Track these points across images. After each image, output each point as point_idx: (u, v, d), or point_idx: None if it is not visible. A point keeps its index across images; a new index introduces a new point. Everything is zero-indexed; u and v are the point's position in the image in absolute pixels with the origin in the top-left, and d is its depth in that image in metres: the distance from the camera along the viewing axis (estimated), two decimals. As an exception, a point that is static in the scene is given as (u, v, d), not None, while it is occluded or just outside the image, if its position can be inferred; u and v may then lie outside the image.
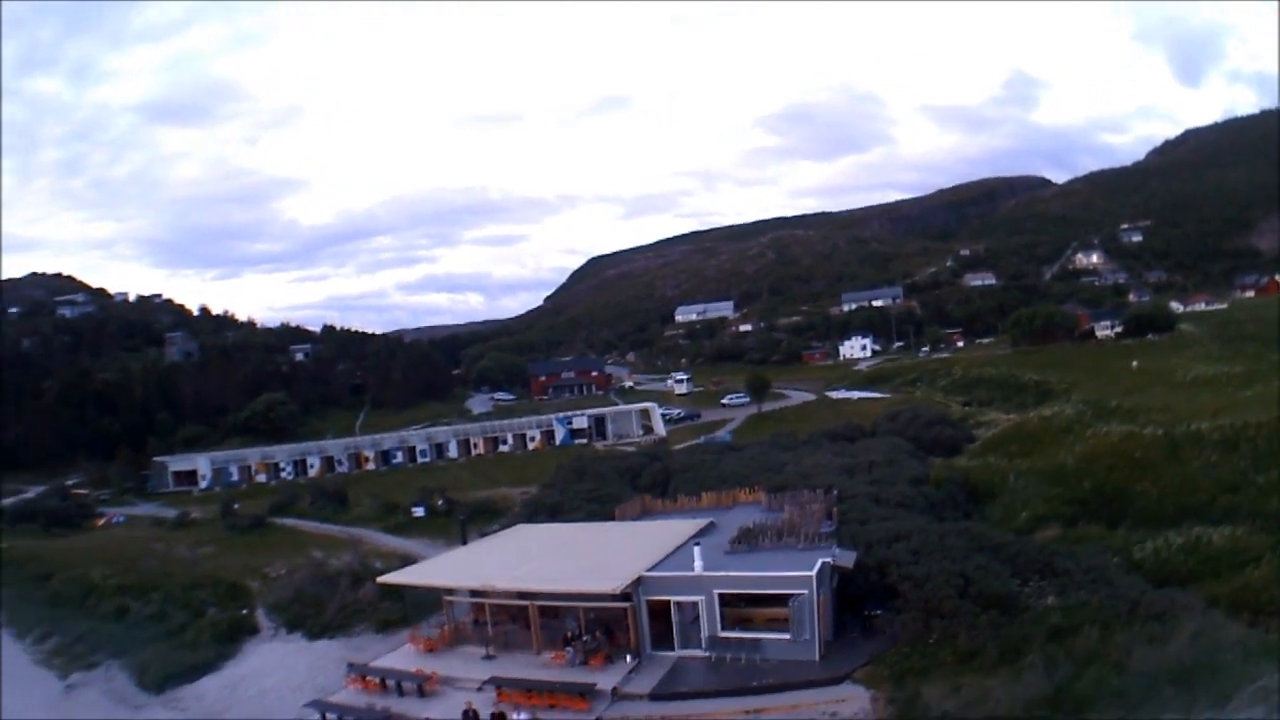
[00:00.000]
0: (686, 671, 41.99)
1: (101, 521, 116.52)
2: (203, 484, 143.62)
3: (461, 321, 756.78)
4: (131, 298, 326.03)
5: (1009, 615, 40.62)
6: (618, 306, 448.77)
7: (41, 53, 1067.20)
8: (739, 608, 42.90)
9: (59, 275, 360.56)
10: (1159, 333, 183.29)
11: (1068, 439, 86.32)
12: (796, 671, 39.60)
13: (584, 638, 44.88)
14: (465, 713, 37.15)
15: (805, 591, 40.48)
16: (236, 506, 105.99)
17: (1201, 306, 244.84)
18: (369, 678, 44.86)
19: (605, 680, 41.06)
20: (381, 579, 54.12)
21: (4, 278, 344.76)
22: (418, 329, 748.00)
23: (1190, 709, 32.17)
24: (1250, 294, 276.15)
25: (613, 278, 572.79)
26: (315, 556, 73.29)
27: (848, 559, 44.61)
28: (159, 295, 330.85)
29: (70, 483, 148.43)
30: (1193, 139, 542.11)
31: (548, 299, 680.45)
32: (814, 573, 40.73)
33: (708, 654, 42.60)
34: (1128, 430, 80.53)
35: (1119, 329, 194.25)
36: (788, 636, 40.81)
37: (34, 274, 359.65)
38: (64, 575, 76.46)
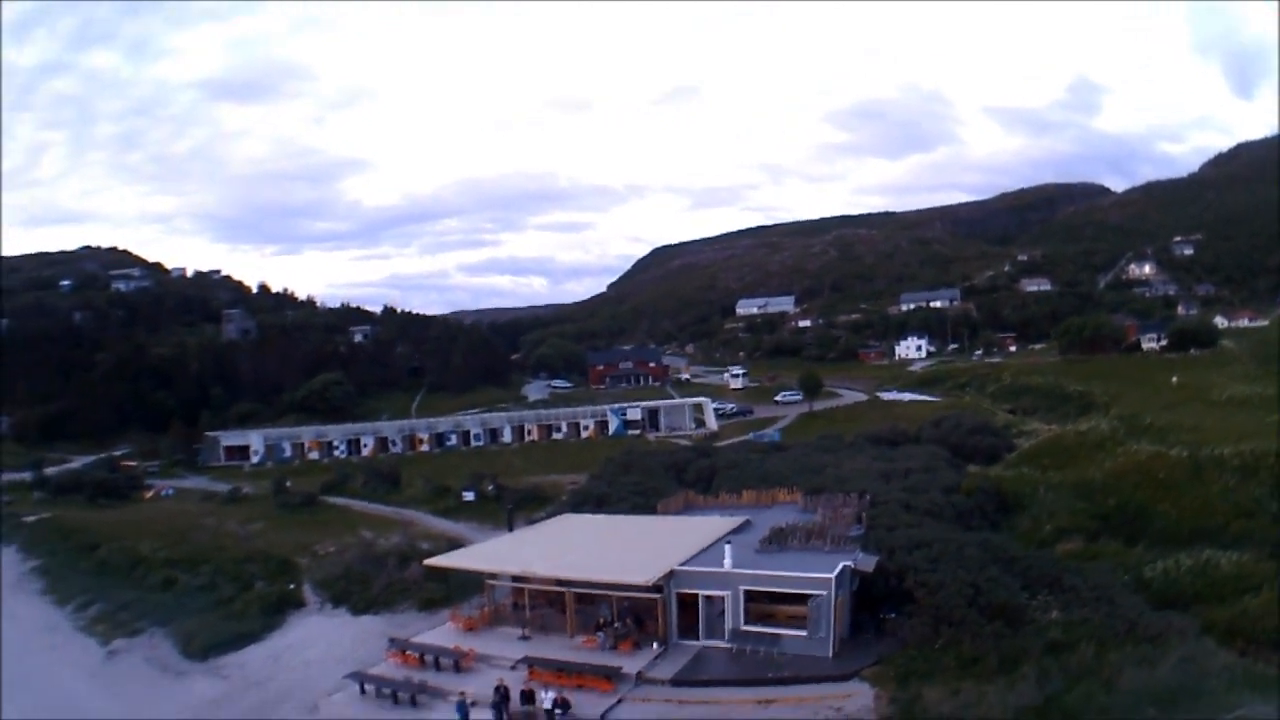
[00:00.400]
0: (708, 661, 44.10)
1: (150, 494, 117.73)
2: (254, 459, 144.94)
3: (523, 305, 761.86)
4: (189, 273, 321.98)
5: (1013, 626, 42.05)
6: (680, 297, 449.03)
7: (97, 28, 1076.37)
8: (762, 604, 44.96)
9: (114, 249, 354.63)
10: (1201, 348, 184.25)
11: (1099, 455, 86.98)
12: (810, 667, 41.56)
13: (615, 624, 47.27)
14: (497, 689, 39.39)
15: (824, 593, 42.50)
16: (289, 484, 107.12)
17: (1245, 323, 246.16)
18: (409, 652, 47.32)
19: (631, 665, 43.34)
20: (428, 561, 56.42)
21: (56, 249, 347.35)
22: (479, 310, 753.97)
23: None
24: None
25: (676, 268, 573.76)
26: (365, 536, 75.54)
27: (869, 563, 46.56)
28: (217, 271, 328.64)
29: (119, 454, 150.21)
30: (1245, 152, 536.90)
31: (611, 286, 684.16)
32: (833, 575, 42.74)
33: (730, 645, 44.71)
34: (1155, 450, 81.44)
35: (1163, 342, 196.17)
36: (805, 633, 42.94)
37: (87, 247, 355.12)
38: (111, 546, 77.90)
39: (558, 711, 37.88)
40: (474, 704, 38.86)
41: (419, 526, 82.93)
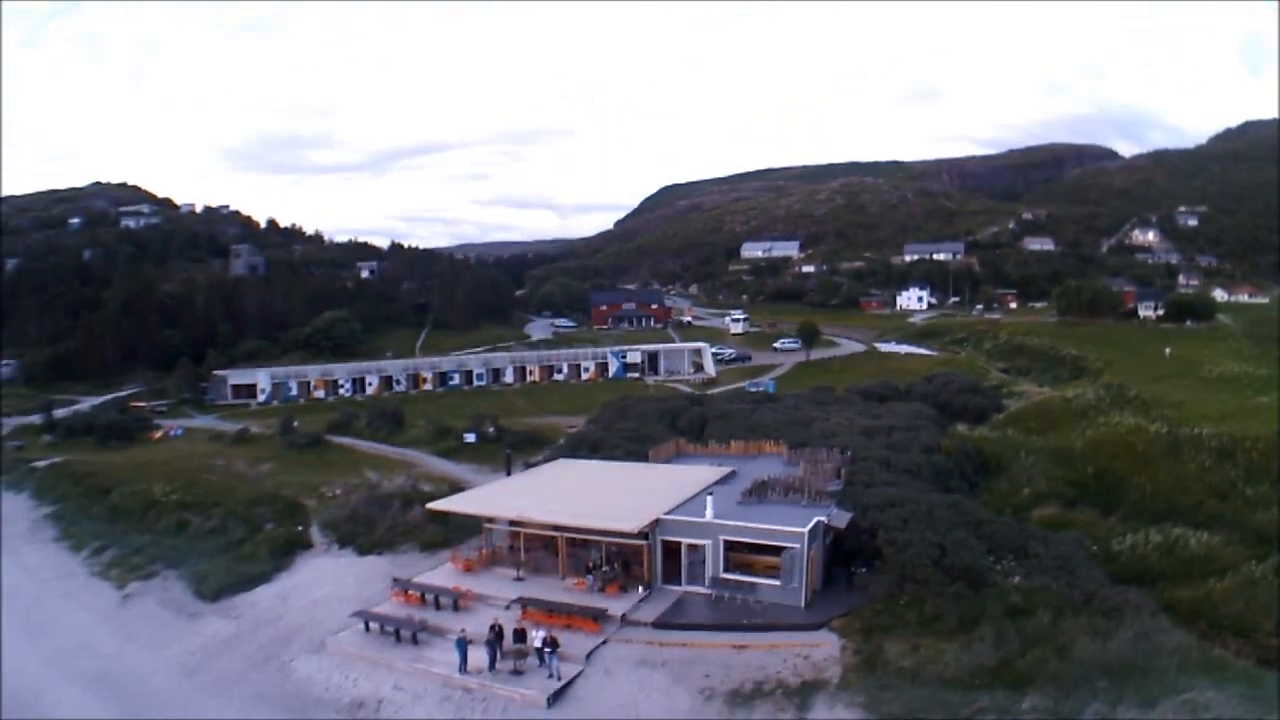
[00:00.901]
0: (689, 605, 47.06)
1: (159, 434, 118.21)
2: (261, 398, 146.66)
3: (530, 239, 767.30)
4: (198, 208, 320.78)
5: (975, 588, 44.28)
6: (685, 238, 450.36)
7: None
8: (741, 554, 47.72)
9: (124, 185, 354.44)
10: (1198, 320, 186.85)
11: (1082, 423, 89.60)
12: (782, 615, 44.49)
13: (604, 568, 50.28)
14: (492, 627, 42.37)
15: (797, 546, 45.20)
16: (295, 424, 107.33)
17: (1245, 298, 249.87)
18: (410, 592, 50.34)
19: (617, 607, 46.35)
20: (430, 505, 58.92)
21: (66, 186, 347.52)
22: (486, 244, 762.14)
23: (1117, 705, 35.78)
24: None
25: (683, 208, 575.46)
26: (370, 478, 77.99)
27: (842, 519, 49.35)
28: (226, 206, 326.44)
29: (127, 393, 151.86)
30: (1253, 130, 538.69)
31: (618, 223, 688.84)
32: (806, 530, 45.44)
33: (710, 592, 47.65)
34: (1136, 423, 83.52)
35: (1161, 312, 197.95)
36: (779, 583, 45.85)
37: (98, 184, 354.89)
38: (124, 490, 79.12)
39: (547, 650, 40.67)
40: (471, 642, 41.83)
41: (421, 468, 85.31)
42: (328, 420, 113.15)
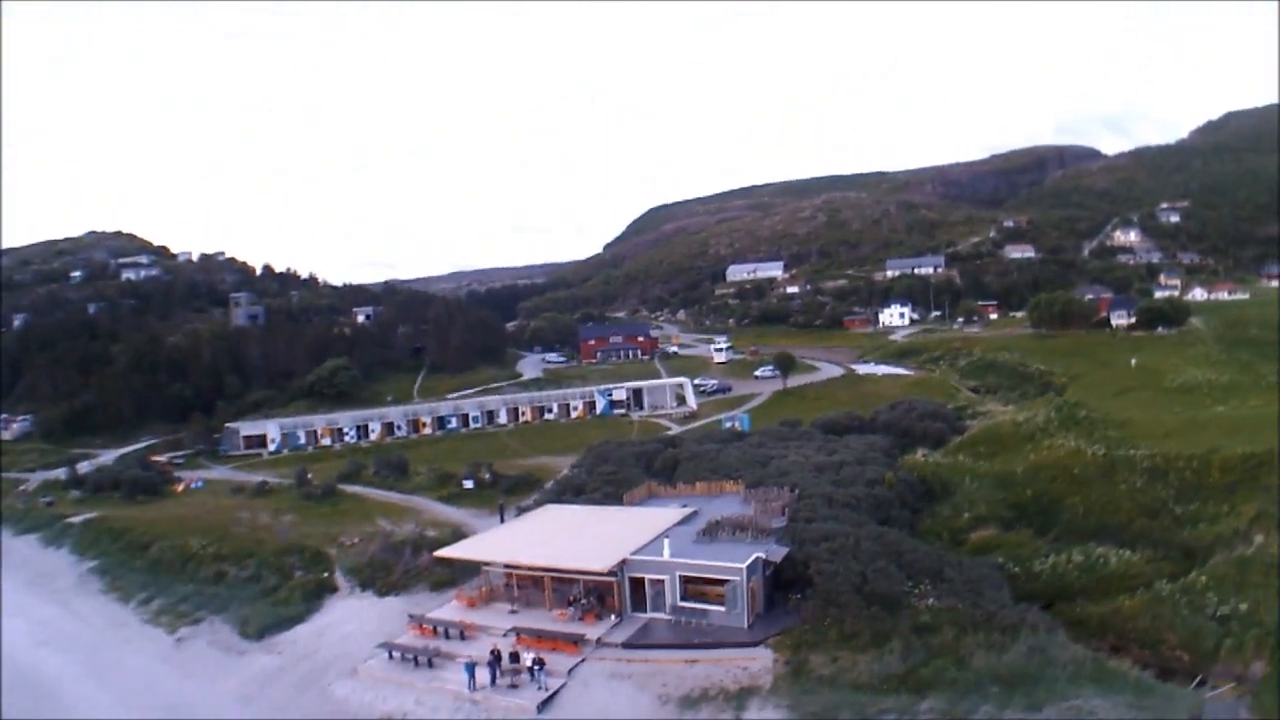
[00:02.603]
0: (653, 629, 56.62)
1: (181, 487, 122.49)
2: (272, 447, 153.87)
3: (521, 265, 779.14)
4: (195, 256, 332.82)
5: (890, 610, 52.29)
6: (672, 263, 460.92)
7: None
8: (694, 585, 57.15)
9: (119, 233, 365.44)
10: (1169, 326, 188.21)
11: (1029, 446, 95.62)
12: (728, 635, 53.84)
13: (583, 600, 59.86)
14: (492, 652, 52.14)
15: (738, 578, 54.79)
16: (310, 476, 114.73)
17: (1224, 295, 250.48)
18: (424, 625, 59.95)
19: (593, 632, 56.11)
20: (437, 553, 68.38)
21: (62, 236, 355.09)
22: (477, 270, 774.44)
23: (1005, 708, 43.17)
24: (1275, 284, 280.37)
25: (670, 232, 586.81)
26: (383, 526, 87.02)
27: (779, 554, 58.97)
28: (222, 253, 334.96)
29: (145, 445, 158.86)
30: (1234, 121, 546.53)
31: (607, 247, 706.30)
32: (745, 565, 54.99)
33: (670, 617, 57.28)
34: (1075, 447, 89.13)
35: (1133, 320, 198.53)
36: (724, 609, 55.44)
37: (93, 233, 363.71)
38: (162, 544, 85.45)
39: (536, 668, 50.54)
40: (476, 664, 51.47)
41: (427, 514, 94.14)
42: (338, 470, 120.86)
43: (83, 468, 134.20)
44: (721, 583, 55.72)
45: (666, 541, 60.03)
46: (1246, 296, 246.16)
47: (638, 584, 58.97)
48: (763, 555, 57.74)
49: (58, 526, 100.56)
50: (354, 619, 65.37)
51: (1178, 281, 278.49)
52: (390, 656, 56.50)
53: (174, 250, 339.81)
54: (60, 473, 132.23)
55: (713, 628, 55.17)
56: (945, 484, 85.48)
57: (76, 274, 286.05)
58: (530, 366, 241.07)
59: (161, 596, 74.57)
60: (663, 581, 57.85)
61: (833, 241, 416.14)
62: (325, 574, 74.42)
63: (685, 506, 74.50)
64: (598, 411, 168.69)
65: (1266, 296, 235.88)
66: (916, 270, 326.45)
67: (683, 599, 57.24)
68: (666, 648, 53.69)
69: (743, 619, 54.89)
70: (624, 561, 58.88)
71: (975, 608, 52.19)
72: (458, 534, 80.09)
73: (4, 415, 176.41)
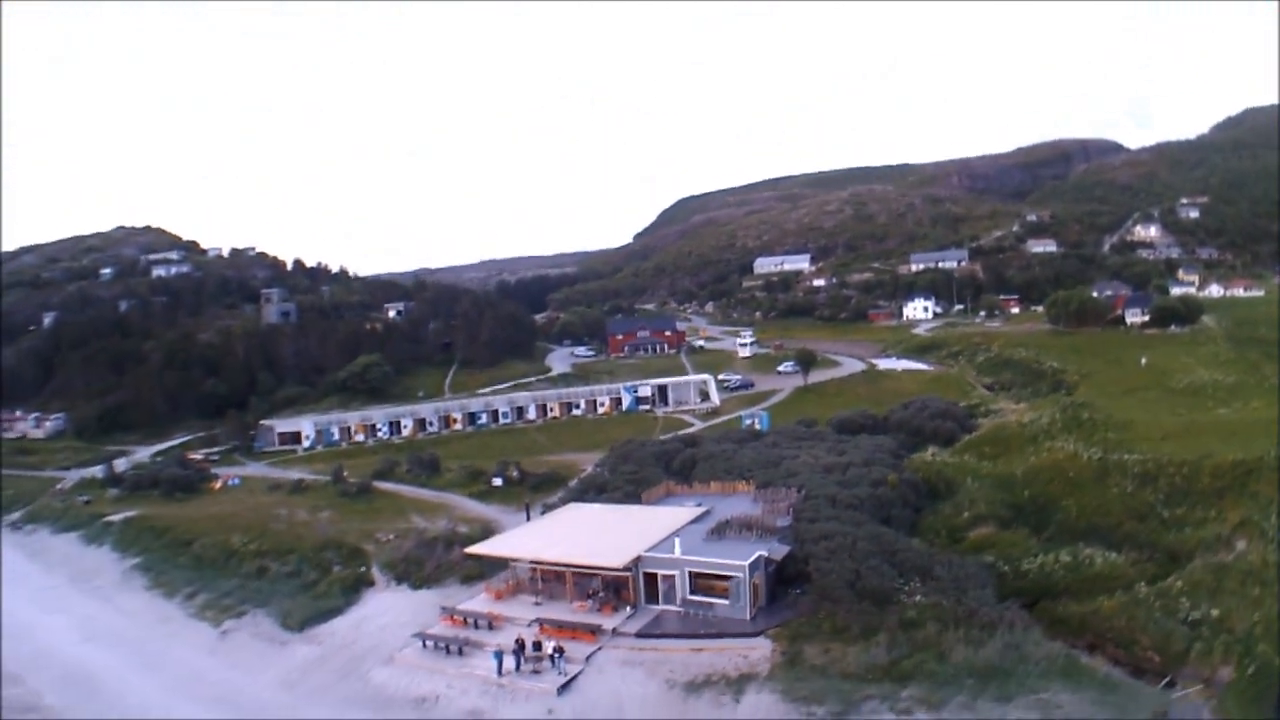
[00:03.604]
0: (664, 620, 61.93)
1: (218, 484, 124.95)
2: (306, 443, 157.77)
3: (552, 253, 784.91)
4: (225, 252, 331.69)
5: (879, 606, 56.80)
6: (700, 255, 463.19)
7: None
8: (703, 580, 62.34)
9: (148, 228, 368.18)
10: (1181, 325, 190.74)
11: (1031, 448, 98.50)
12: (732, 626, 59.02)
13: (600, 594, 65.39)
14: (517, 641, 57.57)
15: (741, 575, 60.02)
16: (345, 473, 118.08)
17: (1240, 292, 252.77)
18: (455, 616, 65.34)
19: (609, 623, 61.51)
20: (467, 550, 74.03)
21: (90, 232, 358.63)
22: (508, 259, 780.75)
23: (977, 698, 47.37)
24: None
25: (698, 223, 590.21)
26: (416, 523, 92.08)
27: (780, 552, 64.17)
28: (252, 248, 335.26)
29: (179, 443, 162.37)
30: (1252, 117, 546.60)
31: (636, 237, 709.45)
32: (748, 563, 60.17)
33: (679, 609, 62.52)
34: (1072, 450, 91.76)
35: (1146, 318, 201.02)
36: (728, 603, 60.52)
37: (122, 228, 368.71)
38: (204, 541, 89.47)
39: (557, 655, 56.01)
40: (502, 652, 56.81)
41: (458, 510, 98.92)
42: (372, 467, 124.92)
43: (118, 465, 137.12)
44: (726, 578, 60.83)
45: (678, 540, 65.24)
46: (1261, 293, 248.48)
47: (651, 579, 64.27)
48: (765, 554, 62.86)
49: (97, 525, 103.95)
50: (390, 611, 70.48)
51: (1196, 277, 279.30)
52: (424, 645, 61.89)
53: (204, 245, 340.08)
54: (96, 470, 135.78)
55: (718, 619, 60.22)
56: (949, 483, 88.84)
57: (107, 271, 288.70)
58: (559, 360, 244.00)
59: (205, 591, 78.94)
60: (673, 577, 63.15)
61: (859, 235, 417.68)
62: (363, 569, 79.38)
63: (699, 505, 79.83)
64: (623, 408, 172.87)
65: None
66: (940, 264, 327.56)
67: (691, 593, 62.44)
68: (675, 637, 58.90)
69: (745, 612, 60.00)
70: (639, 558, 64.28)
71: (958, 605, 56.17)
72: (487, 530, 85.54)
73: (36, 414, 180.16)
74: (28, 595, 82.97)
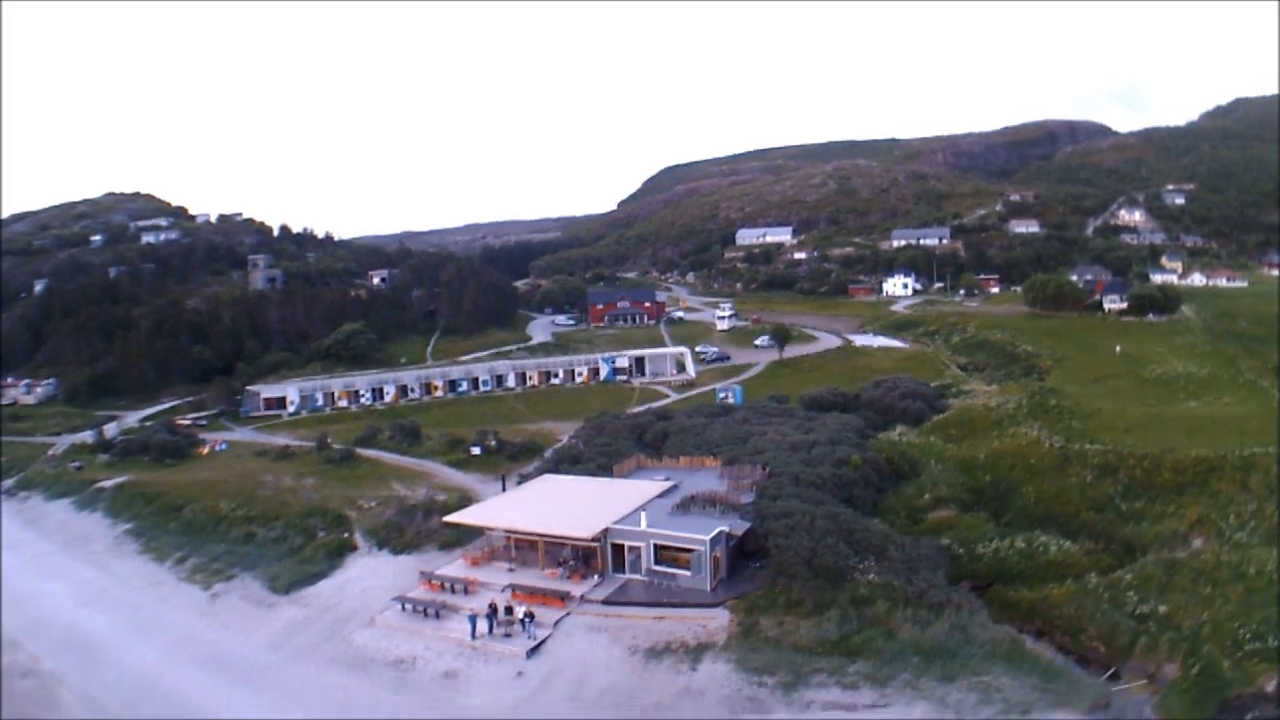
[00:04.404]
0: (629, 589, 65.74)
1: (206, 450, 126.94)
2: (291, 409, 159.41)
3: (535, 218, 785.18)
4: (213, 218, 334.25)
5: (833, 583, 60.05)
6: (683, 225, 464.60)
7: None
8: (666, 551, 66.03)
9: (138, 194, 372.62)
10: (1160, 313, 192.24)
11: (995, 432, 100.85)
12: (693, 597, 62.76)
13: (570, 562, 69.14)
14: (490, 605, 61.24)
15: (702, 548, 63.70)
16: (329, 440, 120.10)
17: (1223, 282, 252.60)
18: (434, 581, 68.93)
19: (578, 590, 65.33)
20: (445, 518, 77.34)
21: (81, 198, 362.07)
22: (491, 223, 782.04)
23: (921, 676, 50.04)
24: (1275, 272, 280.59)
25: (682, 193, 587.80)
26: (397, 490, 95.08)
27: (741, 528, 68.05)
28: (239, 214, 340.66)
29: (167, 407, 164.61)
30: (1242, 107, 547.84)
31: (621, 204, 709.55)
32: (709, 537, 63.85)
33: (645, 579, 66.33)
34: (1035, 437, 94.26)
35: (1124, 305, 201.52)
36: (690, 574, 64.19)
37: (112, 194, 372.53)
38: (194, 507, 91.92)
39: (528, 620, 59.53)
40: (476, 616, 60.14)
41: (438, 479, 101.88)
42: (355, 434, 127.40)
43: (109, 430, 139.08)
44: (689, 551, 64.52)
45: (644, 513, 68.84)
46: (1245, 284, 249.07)
47: (618, 549, 67.98)
48: (726, 529, 66.53)
49: (90, 491, 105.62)
50: (372, 575, 74.05)
51: (1179, 264, 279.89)
52: (403, 608, 65.36)
53: (193, 211, 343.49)
54: (87, 435, 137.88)
55: (680, 590, 63.92)
56: (912, 464, 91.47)
57: (97, 238, 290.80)
58: (540, 329, 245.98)
59: (195, 556, 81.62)
60: (639, 548, 66.94)
61: (842, 209, 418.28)
62: (346, 534, 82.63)
63: (667, 480, 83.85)
64: (601, 378, 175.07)
65: (1265, 286, 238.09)
66: (922, 241, 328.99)
67: (656, 563, 66.15)
68: (639, 605, 62.59)
69: (706, 583, 63.70)
70: (607, 529, 67.91)
71: (909, 584, 59.28)
72: (465, 499, 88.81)
73: (28, 380, 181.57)
74: (24, 562, 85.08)
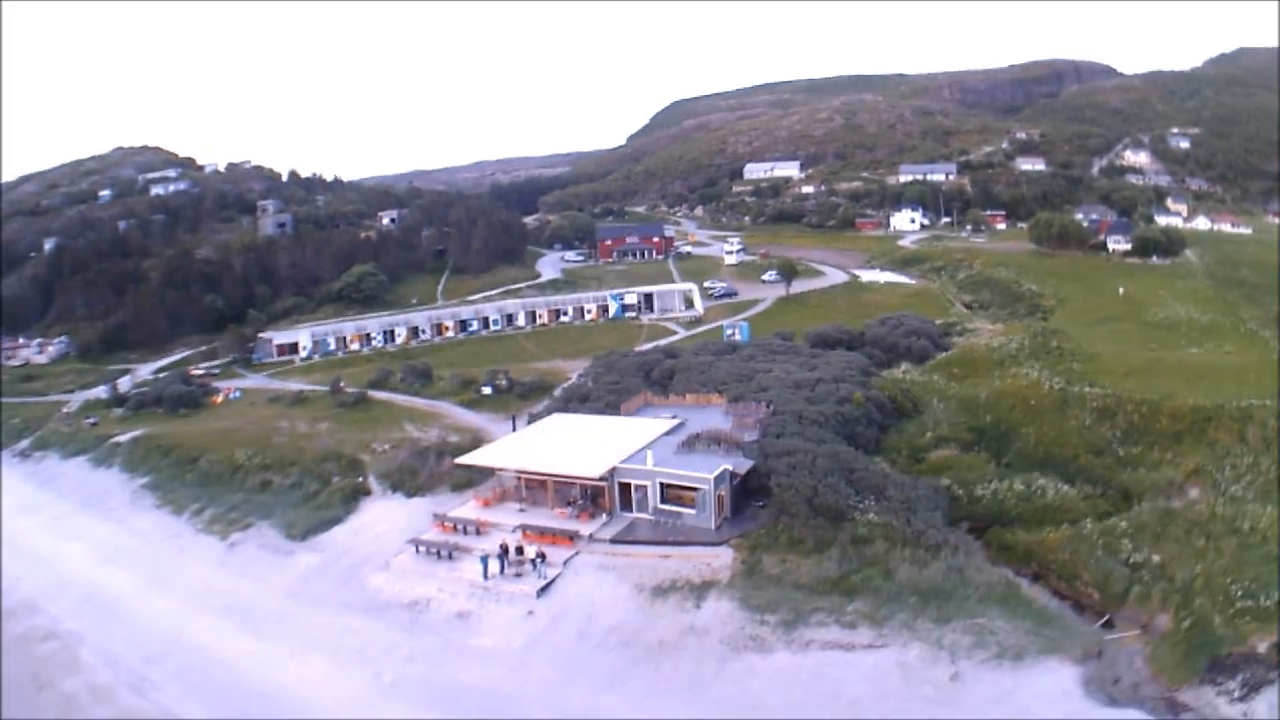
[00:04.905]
0: (637, 527, 67.38)
1: (220, 399, 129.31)
2: (304, 354, 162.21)
3: (544, 154, 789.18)
4: (221, 167, 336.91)
5: (833, 522, 61.30)
6: (691, 160, 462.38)
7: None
8: (672, 490, 67.61)
9: (146, 147, 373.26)
10: (1164, 256, 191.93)
11: (997, 372, 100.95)
12: (698, 535, 64.43)
13: (579, 501, 71.01)
14: (501, 545, 63.31)
15: (707, 487, 65.25)
16: (342, 384, 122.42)
17: (1227, 227, 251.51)
18: (446, 523, 70.83)
19: (586, 529, 67.17)
20: (457, 460, 79.06)
21: (89, 155, 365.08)
22: (501, 160, 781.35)
23: (918, 617, 51.34)
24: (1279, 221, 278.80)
25: (690, 128, 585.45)
26: (410, 433, 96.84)
27: (744, 466, 69.33)
28: (248, 162, 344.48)
29: (180, 358, 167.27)
30: (1246, 56, 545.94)
31: (630, 139, 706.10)
32: (714, 475, 65.31)
33: (651, 518, 68.02)
34: (1035, 379, 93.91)
35: (1129, 246, 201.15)
36: (695, 513, 65.93)
37: (120, 148, 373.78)
38: (210, 458, 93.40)
39: (538, 560, 61.63)
40: (488, 557, 62.14)
41: (449, 419, 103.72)
42: (368, 377, 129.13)
43: (122, 384, 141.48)
44: (694, 489, 66.11)
45: (649, 452, 70.32)
46: (1249, 231, 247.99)
47: (625, 488, 69.62)
48: (730, 467, 68.01)
49: (106, 447, 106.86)
50: (386, 519, 75.84)
51: (1184, 207, 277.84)
52: (417, 551, 67.28)
53: (201, 162, 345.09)
54: (100, 391, 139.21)
55: (685, 528, 65.62)
56: (915, 403, 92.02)
57: (105, 193, 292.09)
58: (549, 266, 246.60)
59: (212, 507, 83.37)
60: (646, 487, 68.49)
61: (849, 144, 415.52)
62: (360, 479, 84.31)
63: (674, 418, 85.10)
64: (610, 315, 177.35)
65: (1268, 235, 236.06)
66: (929, 176, 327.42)
67: (662, 502, 67.82)
68: (646, 544, 64.27)
69: (710, 522, 65.37)
70: (614, 469, 69.51)
71: (908, 525, 60.37)
72: (476, 439, 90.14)
73: (40, 340, 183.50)
74: (43, 524, 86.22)
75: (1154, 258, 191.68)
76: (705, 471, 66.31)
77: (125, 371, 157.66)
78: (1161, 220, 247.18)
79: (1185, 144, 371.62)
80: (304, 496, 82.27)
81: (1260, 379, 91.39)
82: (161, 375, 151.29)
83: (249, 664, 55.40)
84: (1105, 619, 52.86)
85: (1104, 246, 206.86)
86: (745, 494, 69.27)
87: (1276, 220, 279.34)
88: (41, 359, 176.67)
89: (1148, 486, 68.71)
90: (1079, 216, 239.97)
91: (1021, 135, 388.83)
